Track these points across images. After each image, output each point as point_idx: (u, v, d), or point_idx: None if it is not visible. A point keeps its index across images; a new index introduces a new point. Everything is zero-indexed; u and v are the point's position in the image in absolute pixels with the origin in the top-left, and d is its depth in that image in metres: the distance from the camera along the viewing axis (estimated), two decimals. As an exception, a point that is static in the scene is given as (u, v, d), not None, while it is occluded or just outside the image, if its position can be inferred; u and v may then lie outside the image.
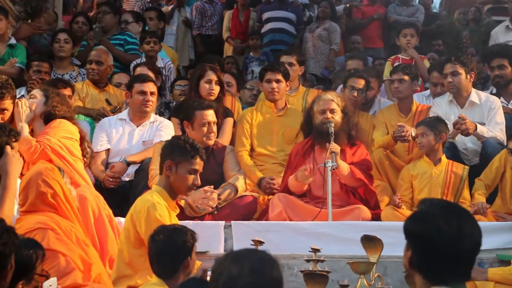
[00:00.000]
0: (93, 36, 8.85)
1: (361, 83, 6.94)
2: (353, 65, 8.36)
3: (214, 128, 5.90)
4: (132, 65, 8.34)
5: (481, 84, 8.52)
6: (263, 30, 10.54)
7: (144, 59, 8.44)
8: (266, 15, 10.70)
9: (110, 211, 5.05)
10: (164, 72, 8.47)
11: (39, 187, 4.36)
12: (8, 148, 4.50)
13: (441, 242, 2.48)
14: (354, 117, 6.16)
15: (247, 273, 2.22)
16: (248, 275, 2.22)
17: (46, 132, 5.44)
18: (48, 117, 5.57)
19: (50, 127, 5.49)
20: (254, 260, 2.28)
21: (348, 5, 11.89)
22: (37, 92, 5.69)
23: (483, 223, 5.23)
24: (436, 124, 5.94)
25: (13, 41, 8.07)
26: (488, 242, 4.90)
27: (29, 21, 8.91)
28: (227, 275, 2.22)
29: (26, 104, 5.56)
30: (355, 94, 6.84)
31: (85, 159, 5.58)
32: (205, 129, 5.82)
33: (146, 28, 9.53)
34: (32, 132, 5.57)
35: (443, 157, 5.96)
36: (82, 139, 5.59)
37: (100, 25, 9.25)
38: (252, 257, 2.30)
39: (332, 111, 5.81)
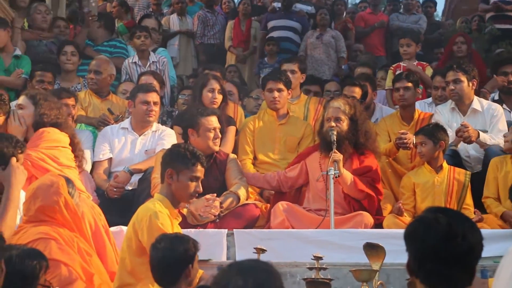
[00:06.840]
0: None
1: (355, 91, 6.89)
2: (362, 72, 8.29)
3: (219, 134, 5.91)
4: (123, 66, 8.40)
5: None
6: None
7: (136, 56, 8.49)
8: (271, 24, 10.74)
9: (106, 222, 4.96)
10: (158, 66, 8.46)
11: (49, 198, 4.35)
12: (13, 159, 4.52)
13: (429, 239, 2.45)
14: (366, 125, 5.95)
15: (252, 286, 2.23)
16: None
17: (29, 146, 5.10)
18: (37, 126, 5.32)
19: (32, 140, 5.23)
20: (259, 272, 2.30)
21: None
22: (24, 101, 5.40)
23: (487, 230, 5.25)
24: (434, 132, 5.91)
25: (18, 52, 8.04)
26: (492, 250, 4.88)
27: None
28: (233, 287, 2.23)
29: (17, 118, 5.30)
30: None
31: (78, 163, 5.39)
32: (211, 135, 5.81)
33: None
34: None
35: (444, 164, 5.94)
36: (75, 145, 5.37)
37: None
38: (256, 269, 2.32)
39: (337, 119, 5.75)
